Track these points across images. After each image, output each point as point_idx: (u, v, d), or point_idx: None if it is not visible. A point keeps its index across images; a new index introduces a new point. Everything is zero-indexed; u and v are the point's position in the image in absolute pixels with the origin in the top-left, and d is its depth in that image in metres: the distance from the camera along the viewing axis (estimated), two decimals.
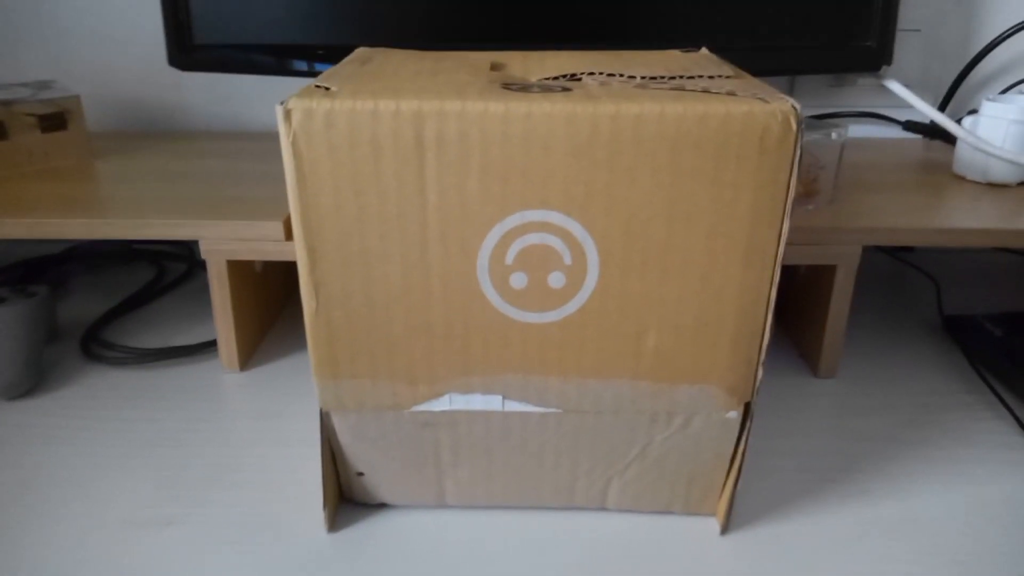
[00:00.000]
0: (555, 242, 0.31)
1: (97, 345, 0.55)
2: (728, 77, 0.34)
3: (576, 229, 0.31)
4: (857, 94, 0.68)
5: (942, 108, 0.60)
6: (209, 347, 0.54)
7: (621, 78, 0.34)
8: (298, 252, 0.31)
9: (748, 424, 0.35)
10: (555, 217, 0.30)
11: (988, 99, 0.56)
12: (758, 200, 0.30)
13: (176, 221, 0.48)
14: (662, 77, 0.34)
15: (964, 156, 0.56)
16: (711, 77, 0.34)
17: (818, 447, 0.45)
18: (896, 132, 0.67)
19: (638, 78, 0.33)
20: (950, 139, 0.62)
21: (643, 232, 0.31)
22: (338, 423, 0.36)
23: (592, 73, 0.35)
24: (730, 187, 0.30)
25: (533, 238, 0.31)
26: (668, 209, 0.30)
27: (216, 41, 0.59)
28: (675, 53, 0.41)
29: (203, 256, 0.49)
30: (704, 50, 0.43)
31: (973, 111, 0.65)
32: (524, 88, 0.31)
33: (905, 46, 0.66)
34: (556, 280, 0.32)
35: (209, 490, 0.41)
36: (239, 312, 0.52)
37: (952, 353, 0.55)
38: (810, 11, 0.56)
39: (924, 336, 0.58)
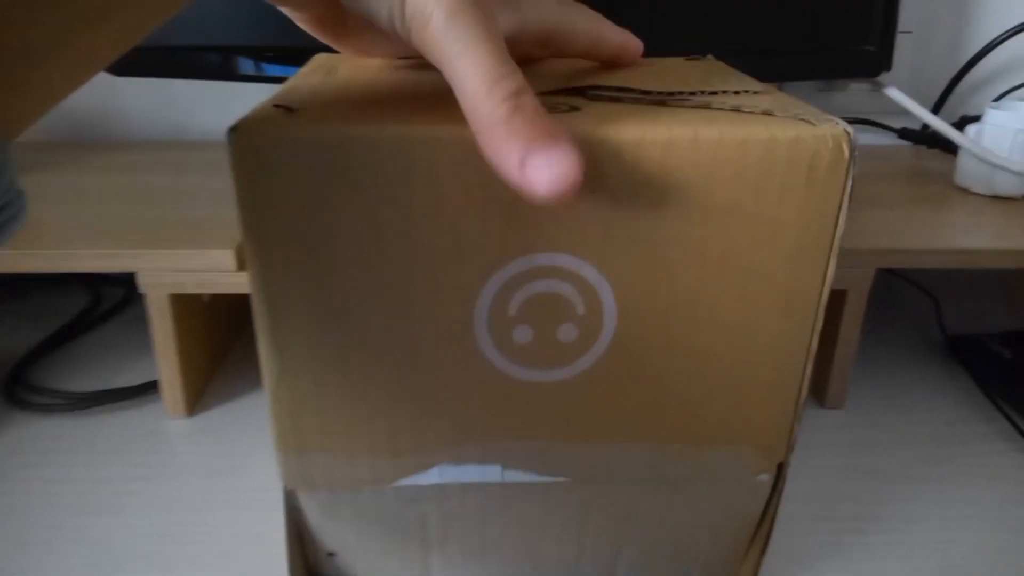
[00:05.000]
0: (566, 290, 0.26)
1: (22, 388, 0.49)
2: (756, 93, 0.29)
3: (590, 274, 0.26)
4: (846, 100, 0.65)
5: (933, 114, 0.57)
6: (151, 389, 0.48)
7: (633, 93, 0.29)
8: (256, 309, 0.26)
9: (780, 486, 0.31)
10: (566, 261, 0.26)
11: (992, 106, 0.53)
12: (802, 239, 0.26)
13: (109, 251, 0.42)
14: (681, 93, 0.29)
15: (967, 167, 0.53)
16: (736, 92, 0.29)
17: (835, 491, 0.41)
18: (888, 139, 0.64)
19: (654, 93, 0.29)
20: (948, 148, 0.59)
21: (668, 277, 0.26)
22: (305, 502, 0.30)
23: (598, 87, 0.30)
24: (771, 224, 0.25)
25: (540, 286, 0.26)
26: (698, 250, 0.26)
27: (153, 42, 0.52)
28: (680, 61, 0.37)
29: (142, 290, 0.43)
30: (710, 57, 0.38)
31: (967, 117, 0.62)
32: None
33: (897, 49, 0.62)
34: (566, 333, 0.27)
35: (150, 571, 0.35)
36: (184, 350, 0.46)
37: (958, 377, 0.52)
38: (804, 12, 0.52)
39: (927, 358, 0.54)
